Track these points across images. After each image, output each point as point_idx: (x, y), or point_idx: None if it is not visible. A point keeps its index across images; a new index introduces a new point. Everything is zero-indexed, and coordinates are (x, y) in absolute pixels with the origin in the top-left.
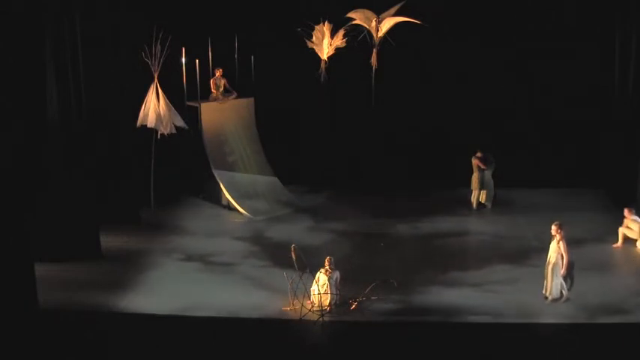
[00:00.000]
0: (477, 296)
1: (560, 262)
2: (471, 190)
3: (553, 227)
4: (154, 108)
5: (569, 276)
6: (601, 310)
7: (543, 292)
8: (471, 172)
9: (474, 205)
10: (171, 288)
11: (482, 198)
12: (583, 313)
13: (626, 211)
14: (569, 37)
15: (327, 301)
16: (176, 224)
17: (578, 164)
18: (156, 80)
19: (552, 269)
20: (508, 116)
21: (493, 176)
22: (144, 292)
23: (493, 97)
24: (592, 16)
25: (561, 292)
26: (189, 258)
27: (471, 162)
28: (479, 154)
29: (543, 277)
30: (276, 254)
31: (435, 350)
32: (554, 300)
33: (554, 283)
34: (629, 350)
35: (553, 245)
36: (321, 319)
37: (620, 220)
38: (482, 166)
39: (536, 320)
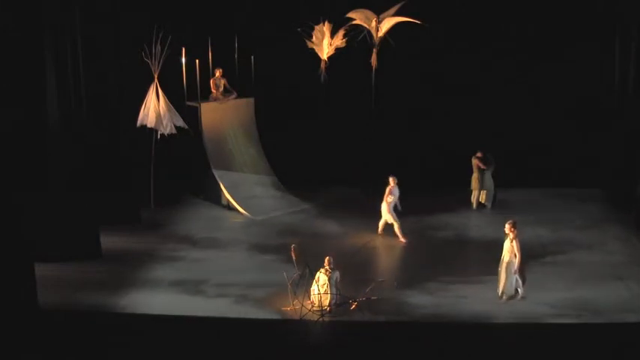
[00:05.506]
0: (475, 295)
1: (514, 261)
2: (471, 191)
3: (507, 226)
4: (154, 108)
5: (521, 274)
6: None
7: (498, 291)
8: (471, 172)
9: (474, 206)
10: (170, 287)
11: (482, 198)
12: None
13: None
14: (569, 38)
15: (327, 301)
16: (176, 224)
17: (578, 164)
18: (156, 80)
19: (506, 268)
20: (508, 116)
21: (493, 176)
22: (142, 292)
23: (493, 97)
24: (592, 16)
25: (516, 290)
26: (189, 257)
27: (471, 162)
28: (479, 154)
29: (499, 277)
30: (276, 254)
31: (435, 350)
32: (510, 298)
33: (508, 282)
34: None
35: (506, 244)
36: (321, 319)
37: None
38: (482, 166)
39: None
